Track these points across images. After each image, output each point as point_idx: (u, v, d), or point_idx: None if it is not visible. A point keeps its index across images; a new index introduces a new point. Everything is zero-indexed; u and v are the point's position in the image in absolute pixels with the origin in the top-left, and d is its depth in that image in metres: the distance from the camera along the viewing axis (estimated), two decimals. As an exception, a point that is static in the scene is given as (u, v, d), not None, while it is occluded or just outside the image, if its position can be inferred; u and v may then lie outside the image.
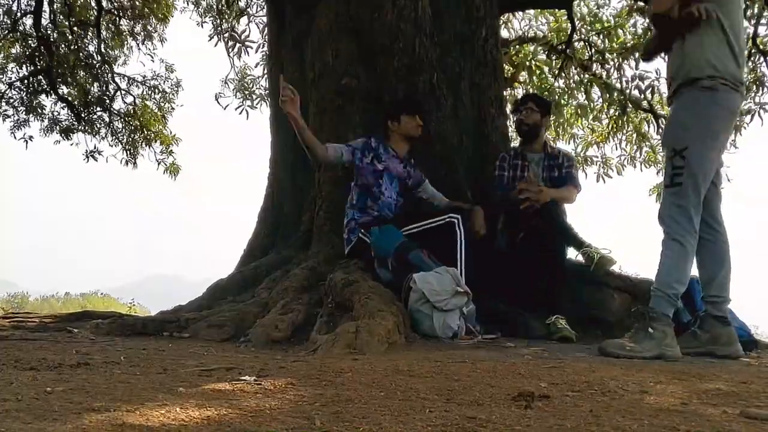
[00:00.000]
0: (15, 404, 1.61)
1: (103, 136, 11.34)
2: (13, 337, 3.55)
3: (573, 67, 10.12)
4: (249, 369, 2.42)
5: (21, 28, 10.42)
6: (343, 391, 1.97)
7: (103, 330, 4.17)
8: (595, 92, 10.15)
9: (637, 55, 9.14)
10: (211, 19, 10.92)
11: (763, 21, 8.11)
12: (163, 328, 4.22)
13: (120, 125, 11.43)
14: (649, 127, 10.04)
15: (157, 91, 11.61)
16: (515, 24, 11.03)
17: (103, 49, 10.86)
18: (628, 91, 9.53)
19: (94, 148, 11.30)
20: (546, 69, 10.34)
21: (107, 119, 11.25)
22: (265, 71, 10.38)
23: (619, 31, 9.46)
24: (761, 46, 8.28)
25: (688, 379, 2.32)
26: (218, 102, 11.18)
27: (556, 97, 10.37)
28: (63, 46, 10.57)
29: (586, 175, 11.12)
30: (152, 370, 2.38)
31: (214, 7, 10.90)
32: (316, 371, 2.35)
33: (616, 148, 11.02)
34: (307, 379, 2.20)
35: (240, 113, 11.24)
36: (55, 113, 10.95)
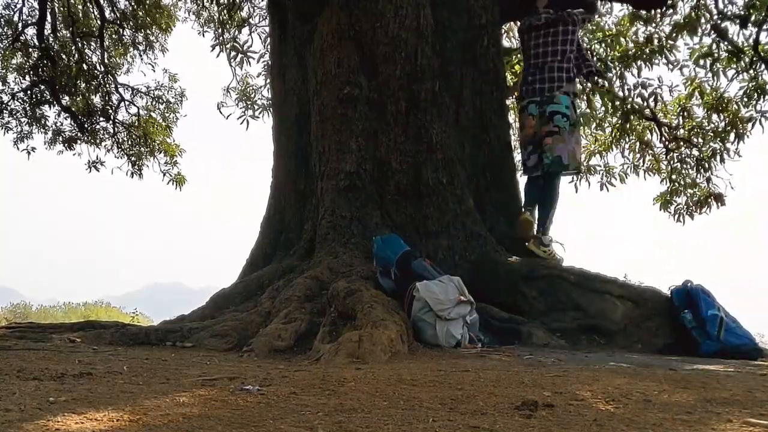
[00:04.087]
0: (18, 414, 1.61)
1: (109, 147, 11.36)
2: (16, 347, 3.55)
3: (574, 76, 10.10)
4: (252, 378, 2.42)
5: (23, 38, 10.46)
6: (346, 400, 1.97)
7: (105, 340, 4.17)
8: (597, 101, 10.15)
9: (639, 63, 9.16)
10: (213, 29, 10.96)
11: (764, 28, 8.08)
12: (166, 337, 4.22)
13: (124, 136, 11.44)
14: (652, 135, 10.03)
15: (161, 101, 11.63)
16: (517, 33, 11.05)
17: (106, 60, 10.89)
18: (630, 99, 9.53)
19: (97, 158, 11.32)
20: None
21: (111, 130, 11.27)
22: (267, 81, 10.40)
23: (621, 39, 9.46)
24: (762, 54, 8.26)
25: (693, 388, 2.31)
26: (220, 112, 11.20)
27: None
28: (65, 56, 10.60)
29: (589, 184, 11.11)
30: (155, 380, 2.38)
31: (216, 17, 10.93)
32: (319, 380, 2.34)
33: (620, 157, 11.01)
34: (310, 388, 2.20)
35: (242, 123, 11.26)
36: (58, 124, 10.99)
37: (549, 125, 5.26)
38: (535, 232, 5.34)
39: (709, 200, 9.51)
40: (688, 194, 9.76)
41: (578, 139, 5.38)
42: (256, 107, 11.31)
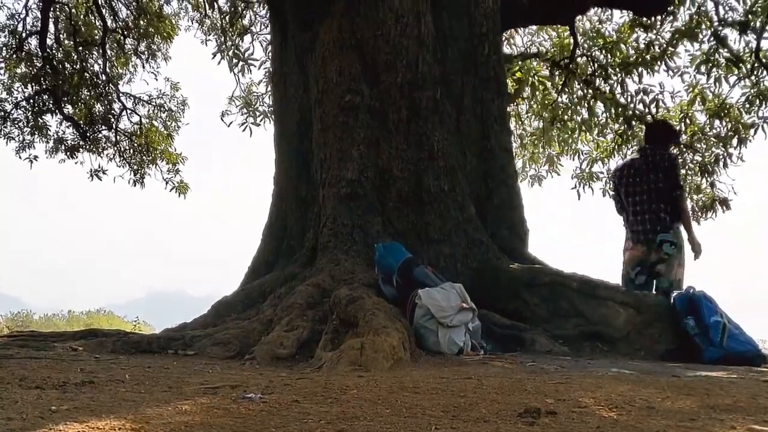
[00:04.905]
0: (20, 423, 1.61)
1: (111, 156, 11.39)
2: (18, 355, 3.55)
3: (576, 83, 10.14)
4: (254, 386, 2.41)
5: (26, 48, 10.50)
6: (349, 408, 1.97)
7: (107, 348, 4.16)
8: (599, 107, 10.17)
9: (640, 69, 9.18)
10: (216, 37, 10.99)
11: (765, 35, 8.11)
12: (168, 345, 4.22)
13: (126, 145, 11.48)
14: (653, 141, 10.01)
15: (162, 109, 11.67)
16: (518, 40, 11.08)
17: (108, 69, 10.93)
18: (632, 105, 9.54)
19: (99, 166, 11.35)
20: (549, 84, 10.38)
21: (113, 139, 11.30)
22: (269, 88, 10.43)
23: (622, 45, 9.48)
24: (764, 60, 8.28)
25: (696, 395, 2.30)
26: (223, 121, 11.23)
27: (560, 112, 10.39)
28: (68, 65, 10.64)
29: (593, 191, 11.12)
30: (157, 388, 2.37)
31: (218, 25, 10.96)
32: (321, 388, 2.34)
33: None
34: (312, 396, 2.19)
35: (244, 130, 11.29)
36: (60, 132, 11.02)
37: (660, 253, 5.23)
38: None
39: (715, 205, 9.51)
40: (694, 199, 9.74)
41: (681, 262, 5.29)
42: (257, 114, 11.34)
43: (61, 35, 10.74)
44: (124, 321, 16.24)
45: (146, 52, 11.34)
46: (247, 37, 10.93)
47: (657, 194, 5.30)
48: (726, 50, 8.36)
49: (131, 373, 2.79)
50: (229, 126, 11.26)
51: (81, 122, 10.93)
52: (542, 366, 3.44)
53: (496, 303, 4.78)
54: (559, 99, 10.38)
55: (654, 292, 5.21)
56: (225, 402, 2.05)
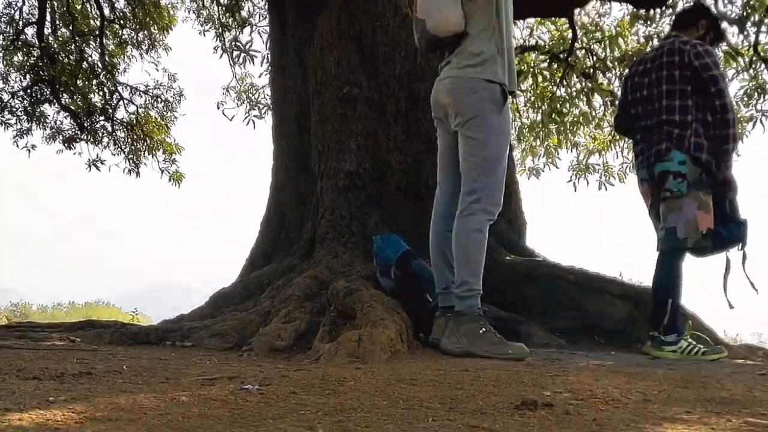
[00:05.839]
0: (17, 414, 1.61)
1: (106, 145, 11.41)
2: (16, 346, 3.55)
3: (575, 75, 10.14)
4: (251, 378, 2.41)
5: (24, 37, 10.48)
6: (346, 399, 1.97)
7: (105, 339, 4.17)
8: (597, 100, 10.19)
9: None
10: (215, 29, 10.94)
11: (763, 28, 8.12)
12: (166, 337, 4.22)
13: (123, 134, 11.50)
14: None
15: (159, 100, 11.68)
16: (516, 32, 11.06)
17: (105, 59, 10.92)
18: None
19: (97, 156, 11.37)
20: (547, 74, 10.36)
21: (110, 128, 11.31)
22: (268, 80, 10.41)
23: (620, 39, 9.48)
24: (762, 54, 8.29)
25: (692, 388, 2.31)
26: (224, 114, 11.21)
27: (558, 105, 10.38)
28: (65, 55, 10.62)
29: (587, 183, 11.16)
30: (155, 380, 2.38)
31: (216, 17, 10.91)
32: (318, 380, 2.34)
33: (618, 156, 11.07)
34: (310, 387, 2.19)
35: (247, 123, 11.25)
36: (58, 122, 11.02)
37: (661, 190, 4.04)
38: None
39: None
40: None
41: (704, 204, 3.88)
42: (260, 106, 11.31)
43: (58, 24, 10.71)
44: (121, 312, 16.27)
45: (146, 42, 11.33)
46: (247, 29, 10.89)
47: (659, 101, 3.99)
48: (724, 43, 8.36)
49: (129, 364, 2.79)
50: (231, 120, 11.23)
51: (79, 112, 10.92)
52: (539, 358, 3.45)
53: (493, 295, 4.79)
54: (558, 92, 10.38)
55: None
56: (222, 393, 2.05)
